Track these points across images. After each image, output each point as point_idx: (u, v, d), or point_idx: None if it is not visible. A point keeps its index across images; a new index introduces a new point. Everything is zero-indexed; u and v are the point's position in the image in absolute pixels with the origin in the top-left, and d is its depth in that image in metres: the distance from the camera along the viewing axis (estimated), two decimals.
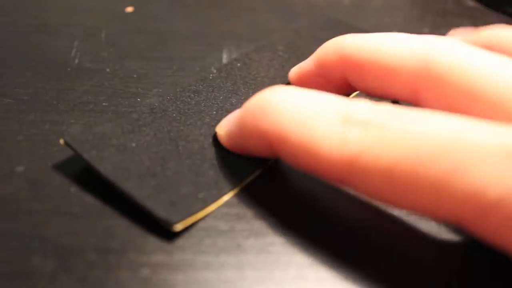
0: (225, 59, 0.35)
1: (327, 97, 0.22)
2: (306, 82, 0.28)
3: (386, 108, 0.21)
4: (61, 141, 0.25)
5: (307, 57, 0.30)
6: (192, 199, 0.24)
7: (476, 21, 0.43)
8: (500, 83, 0.21)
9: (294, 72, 0.29)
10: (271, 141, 0.23)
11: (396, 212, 0.25)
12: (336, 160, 0.20)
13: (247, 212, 0.24)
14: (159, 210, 0.23)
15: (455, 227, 0.24)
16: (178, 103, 0.29)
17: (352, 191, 0.25)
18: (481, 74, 0.22)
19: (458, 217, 0.18)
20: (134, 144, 0.26)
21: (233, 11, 0.42)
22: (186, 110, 0.29)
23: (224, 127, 0.26)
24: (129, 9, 0.40)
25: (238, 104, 0.29)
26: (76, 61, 0.34)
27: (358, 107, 0.21)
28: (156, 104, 0.29)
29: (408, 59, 0.23)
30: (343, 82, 0.27)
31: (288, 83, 0.30)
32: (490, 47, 0.25)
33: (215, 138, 0.27)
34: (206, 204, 0.24)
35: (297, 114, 0.22)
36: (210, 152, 0.26)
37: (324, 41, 0.33)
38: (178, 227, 0.22)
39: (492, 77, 0.21)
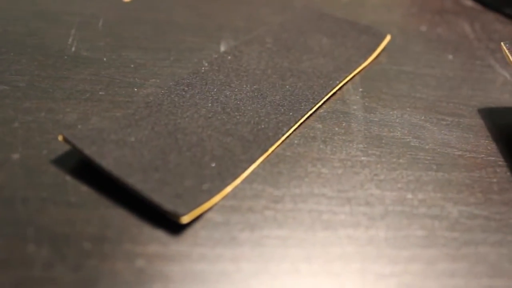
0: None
1: None
2: None
3: None
4: (60, 138, 0.25)
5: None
6: (197, 191, 0.24)
7: (473, 21, 0.43)
8: None
9: None
10: None
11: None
12: None
13: (242, 205, 0.24)
14: (166, 203, 0.23)
15: None
16: (173, 96, 0.29)
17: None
18: None
19: None
20: (133, 139, 0.26)
21: (231, 3, 0.42)
22: (182, 103, 0.29)
23: None
24: None
25: (232, 96, 0.30)
26: (73, 49, 0.34)
27: None
28: (151, 98, 0.29)
29: None
30: None
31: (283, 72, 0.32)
32: None
33: (213, 129, 0.27)
34: (211, 195, 0.24)
35: None
36: (210, 144, 0.26)
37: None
38: (186, 219, 0.22)
39: None
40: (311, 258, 0.23)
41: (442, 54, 0.38)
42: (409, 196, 0.26)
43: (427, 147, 0.29)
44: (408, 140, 0.30)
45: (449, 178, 0.28)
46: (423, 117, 0.32)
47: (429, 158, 0.29)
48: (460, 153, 0.29)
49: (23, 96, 0.29)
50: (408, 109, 0.32)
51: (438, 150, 0.29)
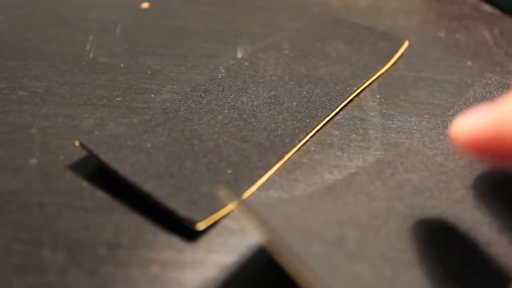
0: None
1: None
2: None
3: None
4: (77, 143, 0.25)
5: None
6: (213, 197, 0.24)
7: (493, 26, 0.43)
8: None
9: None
10: None
11: None
12: None
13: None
14: (182, 209, 0.23)
15: None
16: (190, 102, 0.29)
17: None
18: None
19: None
20: (149, 145, 0.26)
21: (249, 10, 0.42)
22: (198, 110, 0.29)
23: (469, 125, 0.20)
24: (145, 5, 0.40)
25: (248, 102, 0.30)
26: (91, 55, 0.34)
27: None
28: (168, 104, 0.29)
29: None
30: None
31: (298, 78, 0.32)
32: None
33: (229, 136, 0.27)
34: (227, 202, 0.24)
35: None
36: (226, 150, 0.26)
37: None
38: (201, 225, 0.22)
39: None
40: None
41: (461, 60, 0.38)
42: None
43: None
44: None
45: None
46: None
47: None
48: None
49: (41, 102, 0.29)
50: (426, 116, 0.32)
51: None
